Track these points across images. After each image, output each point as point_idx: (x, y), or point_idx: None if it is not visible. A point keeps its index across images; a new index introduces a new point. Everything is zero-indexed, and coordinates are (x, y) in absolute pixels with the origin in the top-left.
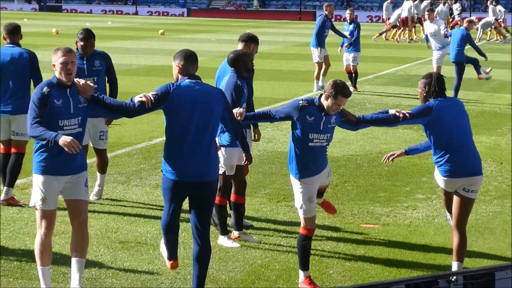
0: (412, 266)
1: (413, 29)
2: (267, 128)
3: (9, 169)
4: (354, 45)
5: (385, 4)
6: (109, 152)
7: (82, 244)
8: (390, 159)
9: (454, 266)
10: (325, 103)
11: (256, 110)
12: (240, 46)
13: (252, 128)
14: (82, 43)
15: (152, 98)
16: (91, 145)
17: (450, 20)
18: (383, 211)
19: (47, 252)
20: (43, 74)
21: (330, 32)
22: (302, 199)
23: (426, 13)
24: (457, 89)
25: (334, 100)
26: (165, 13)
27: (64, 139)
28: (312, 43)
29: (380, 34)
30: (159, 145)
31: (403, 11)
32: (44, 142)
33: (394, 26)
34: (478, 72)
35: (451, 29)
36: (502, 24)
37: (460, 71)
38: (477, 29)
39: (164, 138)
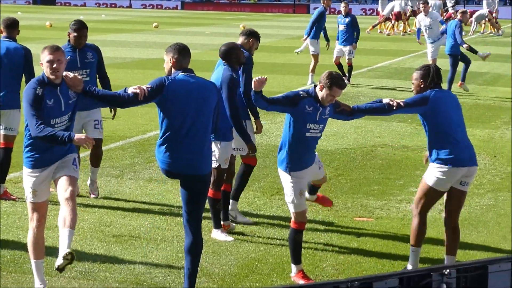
0: (406, 259)
1: (407, 22)
2: (261, 121)
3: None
4: (350, 38)
5: None
6: (103, 145)
7: (70, 218)
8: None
9: (446, 260)
10: (320, 94)
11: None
12: (240, 40)
13: (253, 120)
14: (75, 34)
15: (146, 91)
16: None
17: (444, 13)
18: (377, 205)
19: (39, 245)
20: (35, 68)
21: (327, 25)
22: (294, 193)
23: (421, 6)
24: (450, 82)
25: (329, 91)
26: (159, 6)
27: (79, 138)
28: (311, 35)
29: (374, 26)
30: (152, 139)
31: (395, 5)
32: (54, 142)
33: (387, 19)
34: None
35: (445, 21)
36: (494, 14)
37: (454, 64)
38: (471, 22)
39: (158, 132)
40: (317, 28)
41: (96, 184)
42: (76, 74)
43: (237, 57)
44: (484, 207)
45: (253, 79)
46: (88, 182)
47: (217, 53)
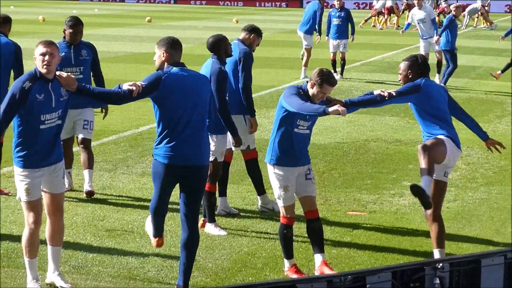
0: (399, 253)
1: (400, 16)
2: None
3: None
4: (345, 32)
5: None
6: (96, 140)
7: (58, 234)
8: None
9: (437, 254)
10: (311, 91)
11: None
12: (241, 35)
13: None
14: (70, 31)
15: (141, 87)
16: (77, 136)
17: (437, 8)
18: (370, 199)
19: (34, 245)
20: (27, 62)
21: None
22: (278, 187)
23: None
24: (449, 74)
25: (319, 88)
26: (152, 0)
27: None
28: (305, 29)
29: (366, 20)
30: (145, 133)
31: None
32: (20, 137)
33: (379, 13)
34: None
35: (438, 16)
36: (486, 8)
37: (452, 58)
38: (463, 16)
39: (151, 126)
40: (312, 22)
41: (91, 187)
42: (70, 74)
43: (225, 48)
44: (477, 201)
45: (338, 109)
46: (86, 186)
47: None
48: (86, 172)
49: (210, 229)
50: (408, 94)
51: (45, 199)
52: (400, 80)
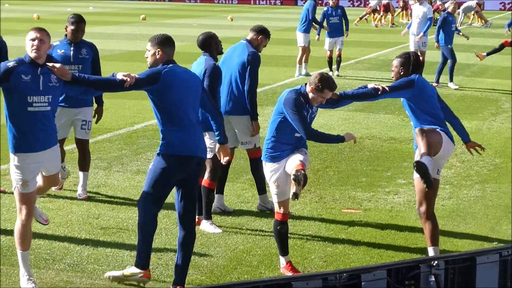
0: (394, 251)
1: (395, 14)
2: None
3: None
4: (341, 29)
5: None
6: (90, 138)
7: (46, 188)
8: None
9: (431, 251)
10: (310, 95)
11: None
12: (249, 36)
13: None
14: (72, 27)
15: (134, 79)
16: (75, 136)
17: (431, 4)
18: (365, 196)
19: (27, 237)
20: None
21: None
22: (270, 183)
23: None
24: (451, 70)
25: (320, 93)
26: None
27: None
28: (303, 28)
29: (361, 18)
30: (140, 131)
31: None
32: (11, 121)
33: (374, 11)
34: (437, 80)
35: (433, 13)
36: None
37: (450, 53)
38: (458, 14)
39: (145, 124)
40: (306, 21)
41: (86, 190)
42: (62, 65)
43: (216, 45)
44: (472, 198)
45: (353, 138)
46: (79, 190)
47: None
48: (81, 175)
49: (205, 226)
50: (402, 89)
51: (41, 178)
52: (392, 77)
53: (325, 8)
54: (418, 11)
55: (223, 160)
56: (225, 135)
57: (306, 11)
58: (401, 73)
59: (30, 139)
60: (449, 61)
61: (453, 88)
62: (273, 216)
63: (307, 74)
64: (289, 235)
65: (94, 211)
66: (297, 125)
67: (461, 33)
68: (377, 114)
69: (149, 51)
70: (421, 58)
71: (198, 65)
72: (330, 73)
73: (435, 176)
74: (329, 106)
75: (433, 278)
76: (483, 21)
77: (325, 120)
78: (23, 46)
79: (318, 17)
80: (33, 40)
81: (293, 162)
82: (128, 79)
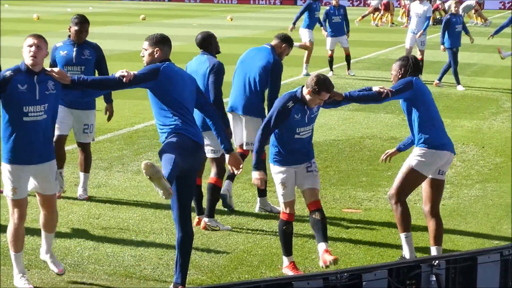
0: (395, 251)
1: (393, 13)
2: None
3: None
4: (343, 28)
5: None
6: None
7: (51, 223)
8: (385, 159)
9: (434, 251)
10: (307, 97)
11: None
12: (273, 42)
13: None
14: (76, 28)
15: (132, 75)
16: (76, 139)
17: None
18: (365, 196)
19: (20, 239)
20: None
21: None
22: (278, 184)
23: None
24: (455, 73)
25: (317, 95)
26: None
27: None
28: (304, 24)
29: (363, 17)
30: (141, 131)
31: None
32: (7, 132)
33: (375, 10)
34: (439, 78)
35: (432, 13)
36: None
37: (453, 58)
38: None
39: (146, 124)
40: (313, 19)
41: (86, 190)
42: (62, 70)
43: (215, 44)
44: (472, 198)
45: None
46: (79, 190)
47: None
48: (81, 175)
49: (212, 224)
50: (403, 91)
51: (38, 197)
52: (392, 80)
53: (328, 7)
54: (418, 9)
55: (237, 172)
56: (229, 140)
57: (306, 11)
58: (399, 76)
59: (24, 152)
60: (451, 63)
61: (460, 90)
62: (273, 217)
63: (307, 75)
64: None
65: (94, 211)
66: (266, 120)
67: (469, 34)
68: (378, 113)
69: (146, 50)
70: (419, 58)
71: (200, 63)
72: (331, 73)
73: (437, 176)
74: (332, 106)
75: (434, 278)
76: (482, 20)
77: (325, 119)
78: (22, 47)
79: (321, 16)
80: (30, 46)
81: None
82: (126, 74)
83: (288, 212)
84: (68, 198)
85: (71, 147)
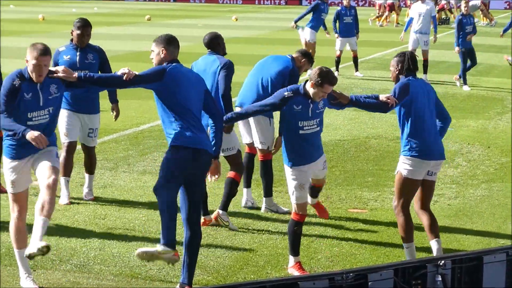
0: (400, 251)
1: (399, 13)
2: None
3: None
4: (354, 29)
5: None
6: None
7: (48, 207)
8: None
9: (434, 244)
10: (311, 90)
11: (242, 108)
12: (295, 54)
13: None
14: (78, 32)
15: (132, 74)
16: (81, 142)
17: (436, 5)
18: (371, 196)
19: (22, 235)
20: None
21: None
22: (294, 186)
23: None
24: (463, 74)
25: (320, 88)
26: None
27: (31, 134)
28: (308, 23)
29: (377, 17)
30: (146, 131)
31: None
32: (11, 133)
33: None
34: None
35: (438, 13)
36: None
37: (462, 58)
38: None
39: (151, 124)
40: (318, 20)
41: (92, 191)
42: (65, 67)
43: (223, 45)
44: (478, 198)
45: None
46: (85, 191)
47: None
48: (87, 177)
49: (224, 218)
50: (402, 97)
51: (37, 173)
52: (391, 77)
53: (339, 8)
54: (421, 9)
55: (211, 179)
56: (219, 149)
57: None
58: (397, 72)
59: (27, 148)
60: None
61: (466, 90)
62: (279, 217)
63: None
64: None
65: (100, 211)
66: (262, 101)
67: (469, 36)
68: (383, 113)
69: (153, 51)
70: (424, 58)
71: (209, 63)
72: (336, 73)
73: (426, 177)
74: (336, 107)
75: (440, 278)
76: (488, 19)
77: (330, 120)
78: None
79: (331, 17)
80: (38, 66)
81: None
82: (126, 72)
83: (300, 213)
84: (73, 198)
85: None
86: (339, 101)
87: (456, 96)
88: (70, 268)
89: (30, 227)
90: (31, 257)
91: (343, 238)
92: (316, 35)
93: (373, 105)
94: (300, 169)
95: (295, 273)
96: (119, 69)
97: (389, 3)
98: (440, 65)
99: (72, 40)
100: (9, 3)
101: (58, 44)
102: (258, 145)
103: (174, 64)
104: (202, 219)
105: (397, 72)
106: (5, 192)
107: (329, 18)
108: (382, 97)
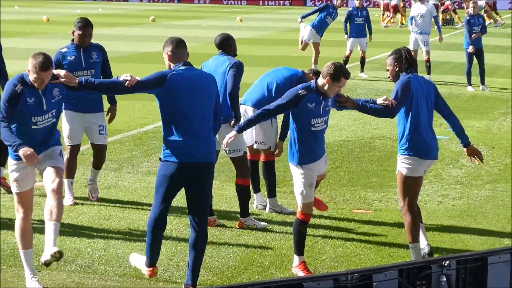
0: (405, 251)
1: (404, 14)
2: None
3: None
4: (365, 30)
5: None
6: None
7: (57, 210)
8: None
9: (411, 246)
10: (326, 86)
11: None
12: (307, 71)
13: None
14: (79, 32)
15: (135, 80)
16: (93, 142)
17: (441, 6)
18: (375, 197)
19: (27, 235)
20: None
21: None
22: (304, 185)
23: None
24: (468, 74)
25: (337, 82)
26: None
27: (24, 152)
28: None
29: (390, 19)
30: (150, 132)
31: None
32: (8, 144)
33: (386, 10)
34: (481, 81)
35: (442, 13)
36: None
37: (468, 58)
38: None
39: (155, 125)
40: (322, 22)
41: (96, 185)
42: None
43: (234, 46)
44: (482, 198)
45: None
46: (89, 183)
47: (214, 46)
48: (93, 171)
49: (249, 223)
50: (406, 96)
51: (43, 175)
52: (389, 77)
53: (350, 9)
54: (421, 9)
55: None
56: (238, 114)
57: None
58: (397, 69)
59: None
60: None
61: (470, 91)
62: (283, 217)
63: None
64: None
65: (105, 212)
66: (275, 102)
67: (474, 35)
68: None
69: (163, 56)
70: (425, 58)
71: (219, 63)
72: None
73: (422, 174)
74: (337, 108)
75: (444, 278)
76: (493, 20)
77: (335, 120)
78: (32, 48)
79: (342, 17)
80: (40, 81)
81: None
82: (128, 78)
83: (307, 212)
84: (77, 198)
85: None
86: (344, 105)
87: (461, 96)
88: (74, 268)
89: (34, 227)
90: (47, 264)
91: (348, 238)
92: (318, 36)
93: (379, 111)
94: (310, 168)
95: (300, 272)
96: (123, 70)
97: (393, 5)
98: (445, 65)
99: (73, 40)
100: (13, 4)
101: (62, 45)
102: (259, 145)
103: (180, 68)
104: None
105: (396, 70)
106: (6, 187)
107: (339, 19)
108: (380, 100)
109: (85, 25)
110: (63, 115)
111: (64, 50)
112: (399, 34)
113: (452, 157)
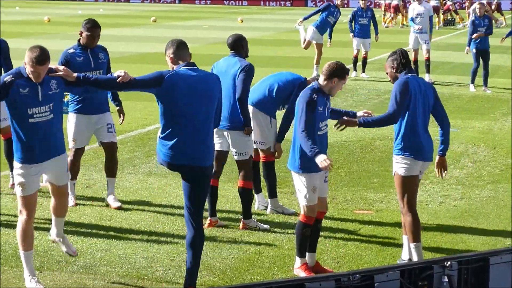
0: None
1: (405, 15)
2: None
3: (8, 155)
4: (369, 31)
5: None
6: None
7: (63, 208)
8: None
9: (412, 246)
10: (330, 85)
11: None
12: (309, 79)
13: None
14: (88, 33)
15: (127, 76)
16: (103, 141)
17: (442, 6)
18: (377, 197)
19: (28, 237)
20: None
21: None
22: (307, 189)
23: None
24: (474, 73)
25: (343, 80)
26: (157, 0)
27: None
28: (314, 23)
29: (392, 19)
30: (152, 133)
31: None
32: (16, 134)
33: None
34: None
35: (443, 14)
36: (493, 7)
37: (474, 58)
38: (468, 14)
39: (157, 126)
40: (325, 22)
41: (115, 196)
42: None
43: (246, 47)
44: (484, 199)
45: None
46: (108, 198)
47: (215, 47)
48: (109, 181)
49: (252, 224)
50: (405, 97)
51: (50, 186)
52: (389, 78)
53: (355, 9)
54: (420, 9)
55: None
56: (249, 120)
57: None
58: (395, 71)
59: (33, 150)
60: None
61: (471, 91)
62: (284, 218)
63: (318, 76)
64: None
65: (106, 213)
66: (301, 121)
67: (475, 34)
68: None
69: (166, 59)
70: (425, 57)
71: (230, 65)
72: (354, 73)
73: (418, 173)
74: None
75: (446, 279)
76: (494, 20)
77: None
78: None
79: (347, 18)
80: (36, 75)
81: None
82: (122, 74)
83: (310, 215)
84: (79, 199)
85: (87, 148)
86: (345, 127)
87: (462, 97)
88: (76, 269)
89: (35, 227)
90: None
91: (349, 239)
92: (320, 37)
93: (380, 121)
94: (311, 175)
95: (301, 273)
96: (123, 69)
97: (393, 6)
98: (445, 66)
99: (79, 40)
100: (15, 5)
101: (63, 45)
102: (258, 145)
103: (181, 68)
104: (208, 220)
105: (394, 70)
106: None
107: (341, 19)
108: (360, 113)
109: (94, 26)
110: (69, 117)
111: (71, 51)
112: (400, 34)
113: (453, 158)
